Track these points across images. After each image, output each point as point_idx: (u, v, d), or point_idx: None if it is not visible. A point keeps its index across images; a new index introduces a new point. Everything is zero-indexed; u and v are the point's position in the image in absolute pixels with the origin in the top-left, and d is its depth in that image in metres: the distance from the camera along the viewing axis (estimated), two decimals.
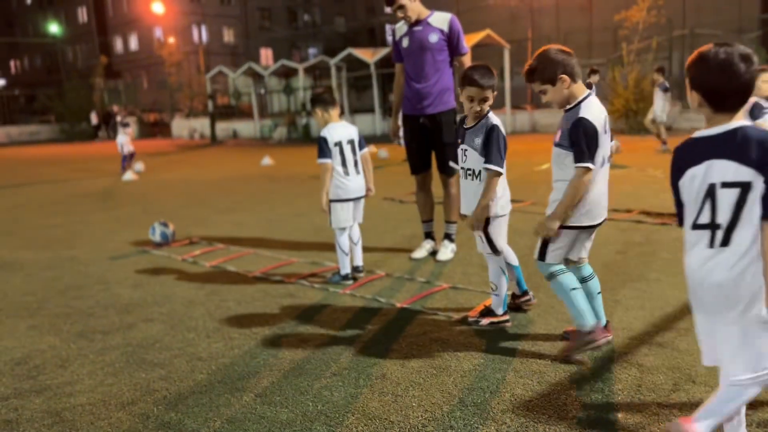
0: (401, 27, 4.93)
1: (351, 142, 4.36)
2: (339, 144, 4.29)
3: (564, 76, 2.83)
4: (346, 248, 4.44)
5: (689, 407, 2.49)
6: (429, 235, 5.23)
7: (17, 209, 9.16)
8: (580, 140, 2.78)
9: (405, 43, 4.88)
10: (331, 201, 4.35)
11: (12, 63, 68.83)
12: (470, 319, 3.54)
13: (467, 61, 4.84)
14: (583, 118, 2.78)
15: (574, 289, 2.92)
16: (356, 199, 4.43)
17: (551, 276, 2.95)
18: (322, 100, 4.36)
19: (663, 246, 5.03)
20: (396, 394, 2.73)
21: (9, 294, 4.65)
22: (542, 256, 2.95)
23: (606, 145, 2.87)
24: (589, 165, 2.78)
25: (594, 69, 9.70)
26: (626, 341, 3.17)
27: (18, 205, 9.64)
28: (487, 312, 3.53)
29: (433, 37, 4.75)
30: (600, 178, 2.88)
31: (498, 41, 20.41)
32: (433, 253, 5.13)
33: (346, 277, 4.47)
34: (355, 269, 4.55)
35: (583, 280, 3.07)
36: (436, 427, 2.45)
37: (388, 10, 4.78)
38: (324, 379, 2.92)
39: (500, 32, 22.15)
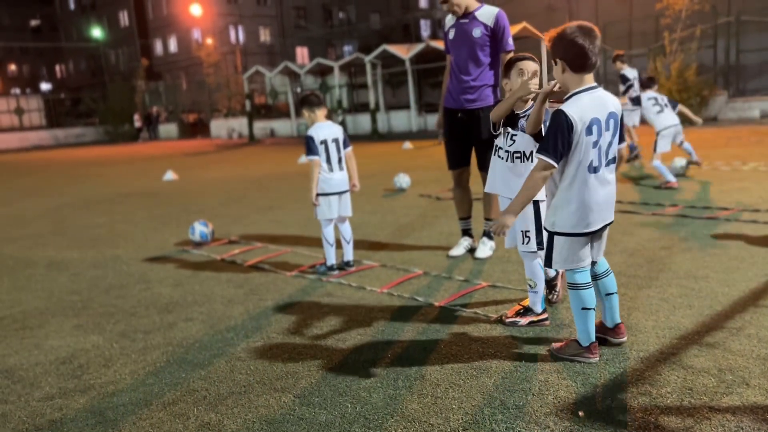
0: (450, 19, 4.90)
1: (335, 140, 4.65)
2: (324, 142, 4.60)
3: (560, 60, 2.65)
4: (331, 240, 4.74)
5: (743, 411, 2.38)
6: (467, 233, 5.16)
7: (64, 209, 9.41)
8: (549, 132, 2.64)
9: (451, 35, 4.85)
10: (317, 195, 4.63)
11: (57, 67, 71.01)
12: (507, 320, 3.44)
13: None
14: (561, 110, 2.61)
15: (588, 309, 2.84)
16: (340, 193, 4.68)
17: (573, 287, 2.86)
18: (308, 101, 4.70)
19: (710, 241, 4.86)
20: (435, 396, 2.69)
21: (56, 293, 4.76)
22: (548, 262, 2.86)
23: (594, 150, 2.66)
24: (549, 160, 2.62)
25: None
26: (674, 342, 3.05)
27: (65, 204, 9.91)
28: (526, 311, 3.45)
29: (477, 32, 4.69)
30: (594, 183, 2.71)
31: (535, 34, 20.08)
32: (471, 250, 5.06)
33: (331, 268, 4.76)
34: (346, 264, 4.81)
35: (596, 277, 2.97)
36: (477, 431, 2.39)
37: None
38: (362, 380, 2.89)
39: (537, 24, 21.78)
